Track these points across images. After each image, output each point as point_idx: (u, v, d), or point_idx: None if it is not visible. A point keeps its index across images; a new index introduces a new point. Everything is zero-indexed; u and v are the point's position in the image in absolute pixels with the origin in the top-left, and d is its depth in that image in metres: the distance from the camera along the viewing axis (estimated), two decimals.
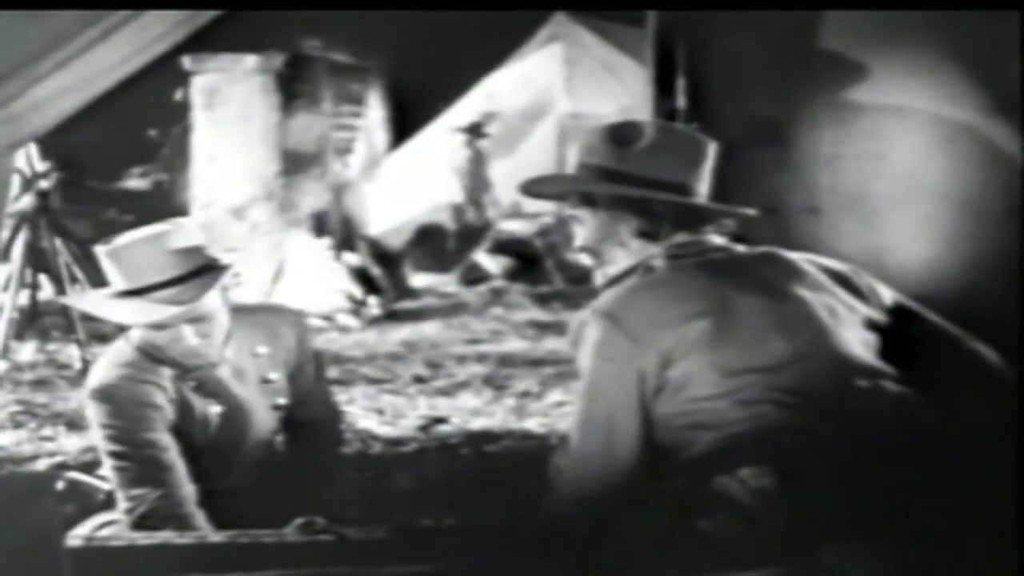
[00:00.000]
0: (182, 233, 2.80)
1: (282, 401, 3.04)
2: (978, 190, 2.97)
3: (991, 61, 2.84)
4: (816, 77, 3.40)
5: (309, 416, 3.14)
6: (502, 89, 10.14)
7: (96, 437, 2.87)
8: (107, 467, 2.86)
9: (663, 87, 4.15)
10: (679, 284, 2.52)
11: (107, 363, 2.90)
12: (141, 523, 2.75)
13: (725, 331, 2.44)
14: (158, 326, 2.77)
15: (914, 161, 3.13)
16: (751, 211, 2.67)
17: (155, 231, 2.78)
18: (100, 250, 2.81)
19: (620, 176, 2.57)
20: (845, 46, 3.28)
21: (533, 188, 2.75)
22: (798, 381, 2.41)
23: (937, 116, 3.02)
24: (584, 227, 2.64)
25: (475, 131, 10.21)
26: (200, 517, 2.81)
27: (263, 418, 3.00)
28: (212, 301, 2.79)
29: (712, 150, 2.62)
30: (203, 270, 2.79)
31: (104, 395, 2.84)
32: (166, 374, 2.87)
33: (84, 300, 2.88)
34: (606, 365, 2.46)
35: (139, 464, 2.80)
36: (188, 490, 2.84)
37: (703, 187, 2.62)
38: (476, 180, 10.33)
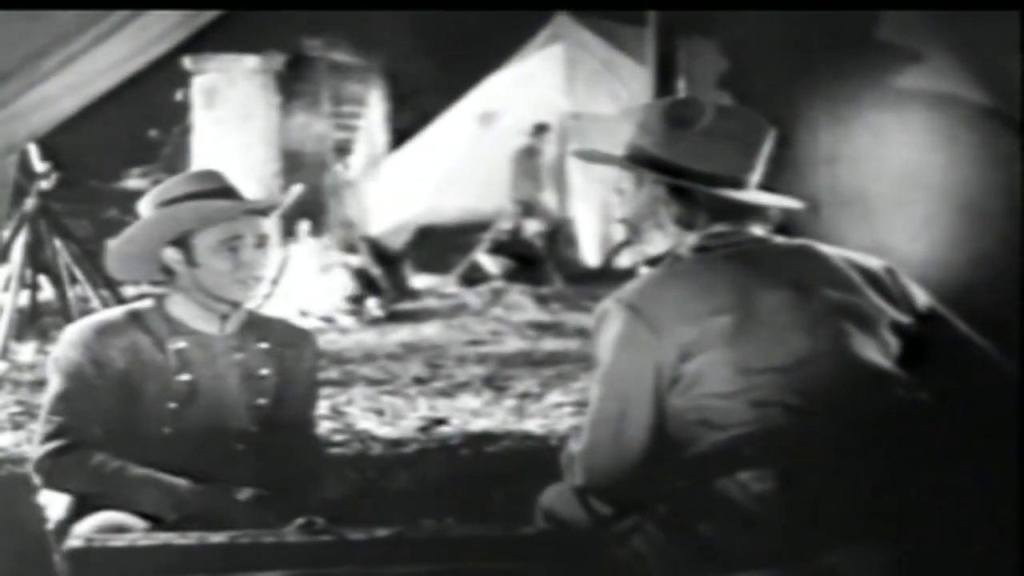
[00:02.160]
0: (225, 175, 2.98)
1: (262, 401, 3.02)
2: (978, 190, 2.97)
3: (991, 61, 2.84)
4: (816, 77, 3.40)
5: (282, 421, 3.10)
6: (503, 89, 10.15)
7: (48, 367, 2.92)
8: (45, 397, 2.89)
9: (664, 87, 4.15)
10: (704, 277, 2.51)
11: (98, 316, 2.99)
12: (52, 459, 2.79)
13: (746, 328, 2.42)
14: (236, 238, 2.86)
15: (914, 161, 3.13)
16: (796, 203, 2.65)
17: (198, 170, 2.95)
18: (145, 204, 2.92)
19: (668, 167, 2.55)
20: (844, 46, 3.28)
21: (587, 156, 2.77)
22: (809, 383, 2.40)
23: (937, 116, 3.02)
24: (626, 201, 2.63)
25: (542, 131, 10.22)
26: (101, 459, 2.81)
27: (236, 410, 2.98)
28: (268, 225, 2.93)
29: (770, 136, 2.59)
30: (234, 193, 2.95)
31: (68, 338, 2.89)
32: (131, 338, 2.89)
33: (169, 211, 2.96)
34: (625, 356, 2.45)
35: (71, 401, 2.83)
36: (96, 433, 2.84)
37: (755, 176, 2.58)
38: (537, 180, 10.38)
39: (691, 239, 2.56)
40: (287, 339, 3.08)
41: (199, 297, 2.91)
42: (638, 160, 2.58)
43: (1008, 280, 2.77)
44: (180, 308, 2.93)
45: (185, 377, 2.91)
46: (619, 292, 2.51)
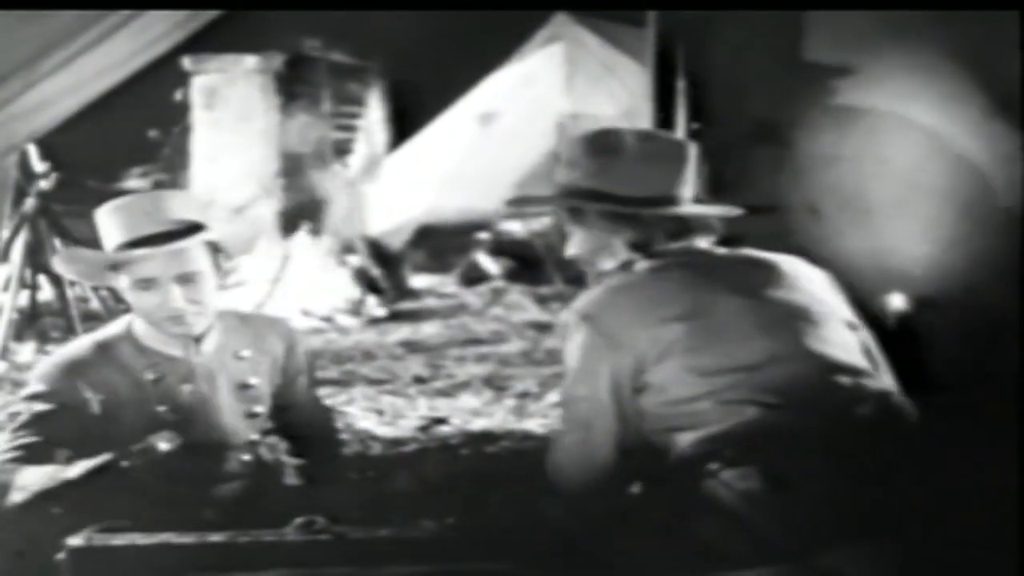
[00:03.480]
0: (180, 196, 2.88)
1: (258, 409, 3.00)
2: (978, 191, 2.97)
3: (991, 61, 2.84)
4: (816, 78, 3.39)
5: (298, 420, 3.12)
6: (502, 89, 10.14)
7: (23, 395, 2.88)
8: (16, 416, 2.85)
9: (663, 88, 4.15)
10: (657, 286, 2.57)
11: (65, 350, 2.94)
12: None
13: (704, 333, 2.48)
14: (146, 281, 2.77)
15: (914, 162, 3.13)
16: (739, 211, 2.71)
17: (153, 192, 2.85)
18: (99, 211, 2.84)
19: (606, 196, 2.59)
20: (845, 46, 3.28)
21: (521, 205, 2.83)
22: (780, 380, 2.45)
23: (937, 117, 3.02)
24: (575, 238, 2.68)
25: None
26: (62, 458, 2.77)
27: (233, 423, 2.96)
28: (198, 260, 2.81)
29: (692, 152, 2.65)
30: (195, 229, 2.81)
31: (39, 377, 2.85)
32: (105, 372, 2.84)
33: (74, 257, 2.92)
34: (585, 364, 2.51)
35: (37, 428, 2.79)
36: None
37: (688, 192, 2.65)
38: None
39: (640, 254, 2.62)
40: (268, 342, 3.04)
41: (154, 323, 2.86)
42: (575, 195, 2.62)
43: (1008, 280, 2.77)
44: (148, 335, 2.88)
45: (166, 407, 2.88)
46: (576, 303, 2.58)
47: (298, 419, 3.11)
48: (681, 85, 4.05)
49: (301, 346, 3.13)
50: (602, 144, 2.64)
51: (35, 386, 2.84)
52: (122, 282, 2.82)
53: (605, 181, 2.60)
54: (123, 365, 2.87)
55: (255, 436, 3.01)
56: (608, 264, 2.64)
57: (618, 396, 2.49)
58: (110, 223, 2.82)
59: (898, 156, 3.17)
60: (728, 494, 2.37)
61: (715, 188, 3.82)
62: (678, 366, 2.46)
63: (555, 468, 2.56)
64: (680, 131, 4.07)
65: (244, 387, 2.97)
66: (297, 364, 3.09)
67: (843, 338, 2.56)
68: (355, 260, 9.31)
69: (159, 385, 2.87)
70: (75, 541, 2.41)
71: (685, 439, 2.44)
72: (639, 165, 2.60)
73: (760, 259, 2.65)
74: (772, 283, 2.60)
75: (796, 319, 2.54)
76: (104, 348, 2.88)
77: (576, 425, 2.53)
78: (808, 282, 2.63)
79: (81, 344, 2.93)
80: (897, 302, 3.13)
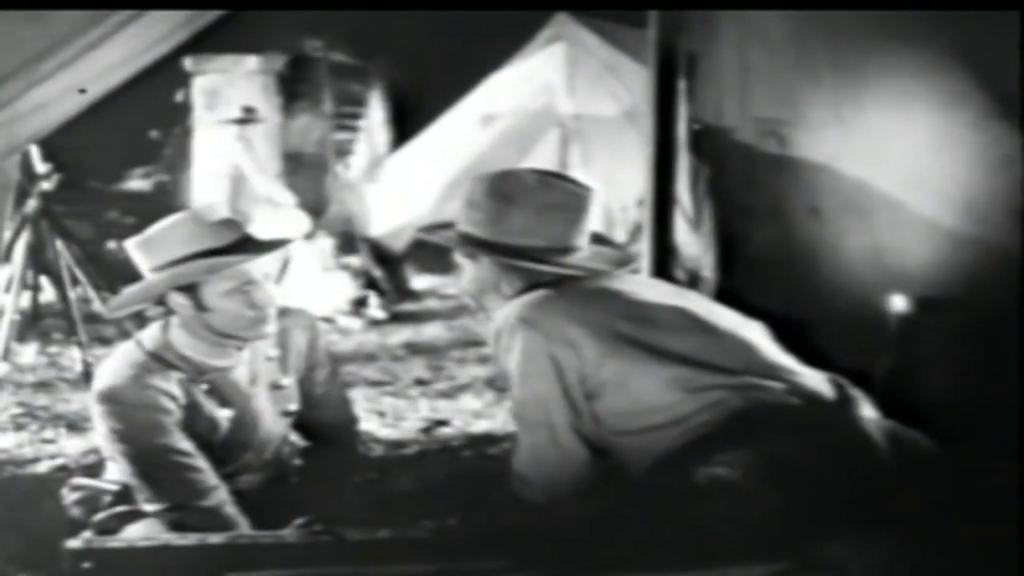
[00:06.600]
0: (214, 209, 2.88)
1: (292, 407, 3.02)
2: (978, 191, 2.96)
3: (991, 61, 2.84)
4: (817, 77, 3.39)
5: (324, 419, 3.13)
6: (503, 90, 10.13)
7: (105, 440, 2.82)
8: (128, 472, 2.80)
9: (664, 88, 4.15)
10: (586, 288, 2.63)
11: (116, 365, 2.86)
12: (178, 526, 2.71)
13: (646, 328, 2.53)
14: (247, 283, 2.79)
15: (914, 161, 3.12)
16: (629, 258, 2.83)
17: (187, 213, 2.83)
18: (132, 242, 2.82)
19: (499, 248, 2.65)
20: (846, 46, 3.28)
21: (426, 235, 2.91)
22: (737, 365, 2.51)
23: (937, 117, 3.01)
24: (467, 274, 2.73)
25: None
26: (236, 513, 2.79)
27: (272, 424, 2.98)
28: (260, 268, 2.85)
29: (593, 197, 2.71)
30: (247, 240, 2.85)
31: (112, 398, 2.79)
32: (175, 377, 2.83)
33: (145, 286, 2.87)
34: (530, 366, 2.54)
35: (167, 471, 2.76)
36: (221, 489, 2.81)
37: (583, 240, 2.71)
38: None
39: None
40: (292, 336, 3.05)
41: (207, 336, 2.86)
42: (470, 241, 2.69)
43: (1009, 282, 2.77)
44: (189, 347, 2.87)
45: (226, 413, 2.90)
46: (506, 310, 2.59)
47: (323, 418, 3.11)
48: (682, 85, 4.05)
49: (322, 339, 3.14)
50: (504, 190, 2.67)
51: (109, 407, 2.79)
52: (209, 294, 2.79)
53: (501, 231, 2.65)
54: (186, 373, 2.87)
55: (291, 433, 3.04)
56: (494, 304, 2.69)
57: (569, 396, 2.50)
58: (156, 250, 2.80)
59: (898, 156, 3.17)
60: (727, 472, 2.39)
61: (715, 189, 3.82)
62: (633, 358, 2.49)
63: (523, 474, 2.56)
64: (681, 131, 4.08)
65: (276, 387, 2.99)
66: (318, 357, 3.10)
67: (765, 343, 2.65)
68: (356, 261, 9.30)
69: (214, 394, 2.89)
70: (75, 543, 2.41)
71: (665, 436, 2.45)
72: (538, 215, 2.65)
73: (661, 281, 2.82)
74: (683, 291, 2.76)
75: (720, 322, 2.62)
76: (158, 358, 2.86)
77: (536, 426, 2.53)
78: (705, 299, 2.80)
79: (130, 351, 2.88)
80: (898, 303, 3.12)
